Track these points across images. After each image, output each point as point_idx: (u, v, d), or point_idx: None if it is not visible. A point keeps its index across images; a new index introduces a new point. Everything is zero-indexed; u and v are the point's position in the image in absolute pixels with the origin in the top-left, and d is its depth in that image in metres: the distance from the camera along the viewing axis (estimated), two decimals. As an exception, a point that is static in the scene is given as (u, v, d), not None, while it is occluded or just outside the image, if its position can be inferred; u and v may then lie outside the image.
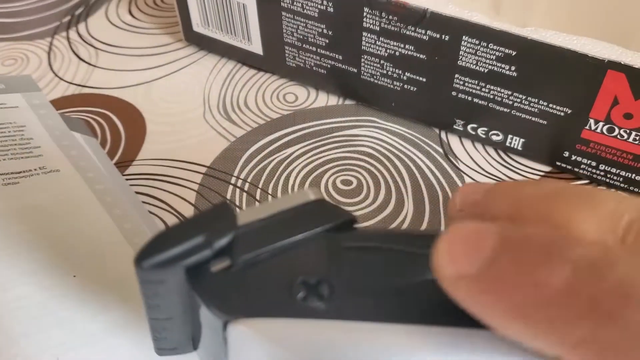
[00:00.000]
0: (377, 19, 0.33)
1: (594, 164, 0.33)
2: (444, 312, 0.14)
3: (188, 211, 0.33)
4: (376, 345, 0.14)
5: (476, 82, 0.32)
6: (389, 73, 0.35)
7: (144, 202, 0.33)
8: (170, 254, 0.15)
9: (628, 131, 0.30)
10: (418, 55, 0.33)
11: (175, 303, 0.17)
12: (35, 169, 0.30)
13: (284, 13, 0.36)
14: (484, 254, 0.13)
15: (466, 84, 0.33)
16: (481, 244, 0.13)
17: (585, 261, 0.12)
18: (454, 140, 0.36)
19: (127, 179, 0.34)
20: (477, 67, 0.32)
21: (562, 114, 0.31)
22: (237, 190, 0.34)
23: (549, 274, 0.12)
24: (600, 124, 0.31)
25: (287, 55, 0.38)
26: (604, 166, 0.32)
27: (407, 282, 0.15)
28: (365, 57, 0.35)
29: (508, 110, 0.33)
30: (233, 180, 0.34)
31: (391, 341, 0.14)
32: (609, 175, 0.33)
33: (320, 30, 0.35)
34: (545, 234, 0.13)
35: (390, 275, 0.15)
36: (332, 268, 0.16)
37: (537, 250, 0.12)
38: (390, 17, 0.32)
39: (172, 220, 0.32)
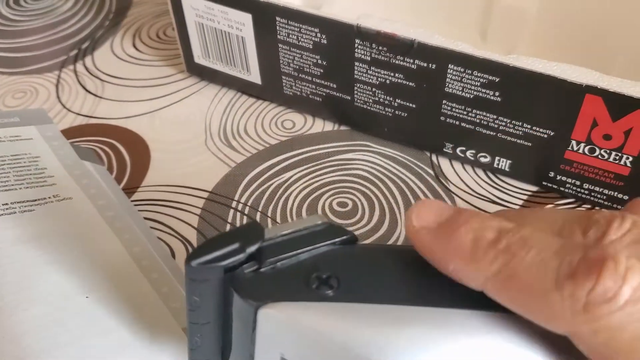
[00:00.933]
0: (368, 49, 0.34)
1: (578, 183, 0.34)
2: (426, 296, 0.19)
3: (191, 235, 0.34)
4: (369, 320, 0.18)
5: (463, 107, 0.34)
6: (381, 100, 0.36)
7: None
8: (212, 255, 0.19)
9: (608, 151, 0.31)
10: (407, 83, 0.35)
11: (213, 305, 0.20)
12: (49, 197, 0.31)
13: (280, 45, 0.37)
14: (443, 217, 0.19)
15: (453, 109, 0.34)
16: (441, 210, 0.19)
17: (505, 228, 0.18)
18: (444, 163, 0.38)
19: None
20: (463, 93, 0.33)
21: (546, 136, 0.33)
22: (238, 213, 0.35)
23: (484, 232, 0.18)
24: (582, 144, 0.32)
25: (284, 84, 0.40)
26: (587, 185, 0.34)
27: (396, 276, 0.20)
28: (358, 85, 0.37)
29: (494, 134, 0.34)
30: (234, 204, 0.36)
31: (382, 317, 0.18)
32: (592, 194, 0.34)
33: (315, 60, 0.37)
34: (486, 215, 0.19)
35: (384, 272, 0.20)
36: (339, 267, 0.20)
37: (480, 218, 0.18)
38: (380, 47, 0.34)
39: (175, 244, 0.33)
